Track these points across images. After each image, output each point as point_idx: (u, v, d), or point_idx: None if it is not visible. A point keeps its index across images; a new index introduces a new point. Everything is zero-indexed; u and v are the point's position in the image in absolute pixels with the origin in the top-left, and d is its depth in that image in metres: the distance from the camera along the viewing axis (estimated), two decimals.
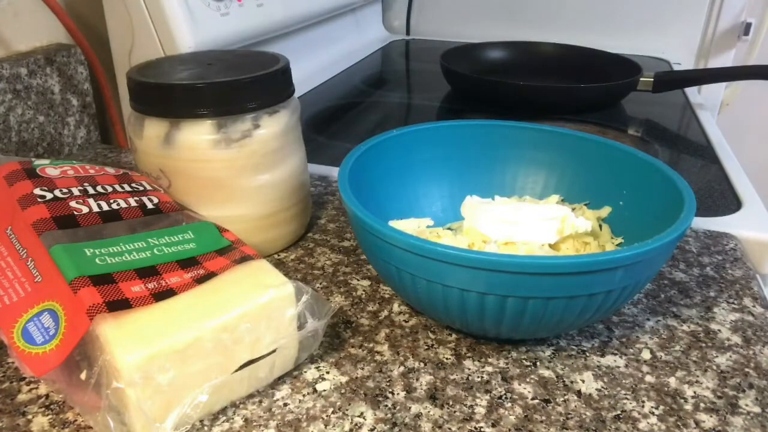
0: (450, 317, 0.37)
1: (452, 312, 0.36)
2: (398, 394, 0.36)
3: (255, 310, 0.33)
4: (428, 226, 0.47)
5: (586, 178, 0.48)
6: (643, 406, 0.35)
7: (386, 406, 0.35)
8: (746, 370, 0.38)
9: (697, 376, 0.37)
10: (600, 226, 0.46)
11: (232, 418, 0.34)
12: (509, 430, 0.33)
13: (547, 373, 0.37)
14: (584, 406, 0.35)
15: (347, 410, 0.35)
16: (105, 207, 0.38)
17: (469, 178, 0.51)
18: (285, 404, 0.35)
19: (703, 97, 0.96)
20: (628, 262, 0.32)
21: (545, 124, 0.50)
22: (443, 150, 0.50)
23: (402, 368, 0.38)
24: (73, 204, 0.37)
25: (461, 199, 0.50)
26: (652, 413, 0.35)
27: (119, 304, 0.31)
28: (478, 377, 0.37)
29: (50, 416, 0.34)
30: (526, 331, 0.36)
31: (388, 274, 0.37)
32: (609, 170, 0.46)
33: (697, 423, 0.34)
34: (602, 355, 0.39)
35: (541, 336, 0.39)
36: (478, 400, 0.35)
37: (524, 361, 0.38)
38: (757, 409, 0.35)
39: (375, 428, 0.33)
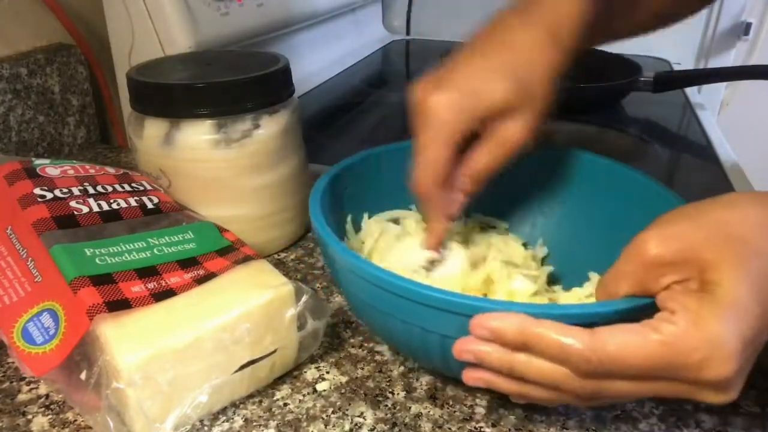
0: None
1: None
2: (398, 394, 0.36)
3: (255, 311, 0.33)
4: None
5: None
6: (643, 406, 0.35)
7: (386, 406, 0.35)
8: None
9: None
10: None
11: (232, 418, 0.34)
12: (509, 430, 0.33)
13: None
14: (584, 405, 0.35)
15: (347, 410, 0.35)
16: (105, 207, 0.38)
17: None
18: (285, 404, 0.35)
19: (703, 97, 0.96)
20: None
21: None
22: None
23: (402, 368, 0.38)
24: (73, 204, 0.37)
25: None
26: (653, 413, 0.35)
27: (119, 305, 0.31)
28: None
29: (50, 416, 0.34)
30: None
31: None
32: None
33: (697, 423, 0.34)
34: None
35: None
36: (478, 400, 0.35)
37: None
38: (757, 409, 0.35)
39: (375, 428, 0.33)
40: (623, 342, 0.25)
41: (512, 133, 0.36)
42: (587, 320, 0.27)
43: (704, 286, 0.25)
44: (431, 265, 0.39)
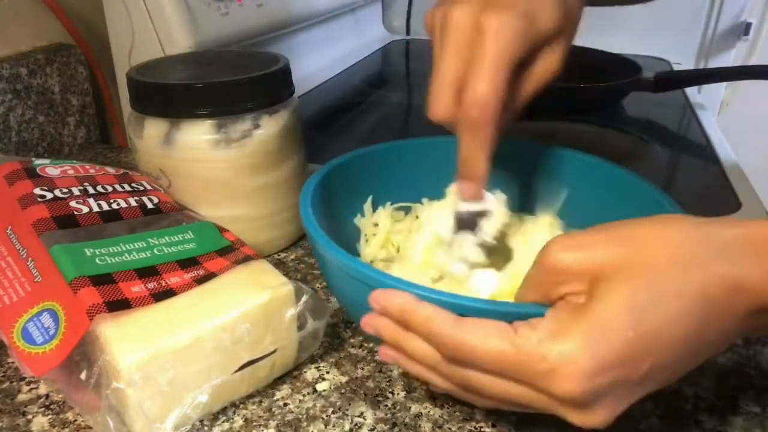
0: None
1: None
2: (398, 394, 0.36)
3: (255, 311, 0.33)
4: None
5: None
6: (643, 406, 0.35)
7: (386, 406, 0.35)
8: (746, 370, 0.38)
9: (697, 376, 0.37)
10: None
11: (232, 418, 0.34)
12: (509, 430, 0.33)
13: None
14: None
15: (347, 410, 0.35)
16: (105, 207, 0.38)
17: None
18: (285, 404, 0.35)
19: (703, 97, 0.96)
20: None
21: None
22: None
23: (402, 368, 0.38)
24: (73, 204, 0.37)
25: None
26: (653, 413, 0.34)
27: (119, 305, 0.31)
28: None
29: (50, 416, 0.34)
30: None
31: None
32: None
33: (697, 423, 0.34)
34: None
35: None
36: None
37: None
38: (757, 409, 0.35)
39: (375, 428, 0.33)
40: (482, 335, 0.25)
41: (555, 60, 0.35)
42: (459, 312, 0.27)
43: (587, 300, 0.25)
44: (477, 216, 0.36)
